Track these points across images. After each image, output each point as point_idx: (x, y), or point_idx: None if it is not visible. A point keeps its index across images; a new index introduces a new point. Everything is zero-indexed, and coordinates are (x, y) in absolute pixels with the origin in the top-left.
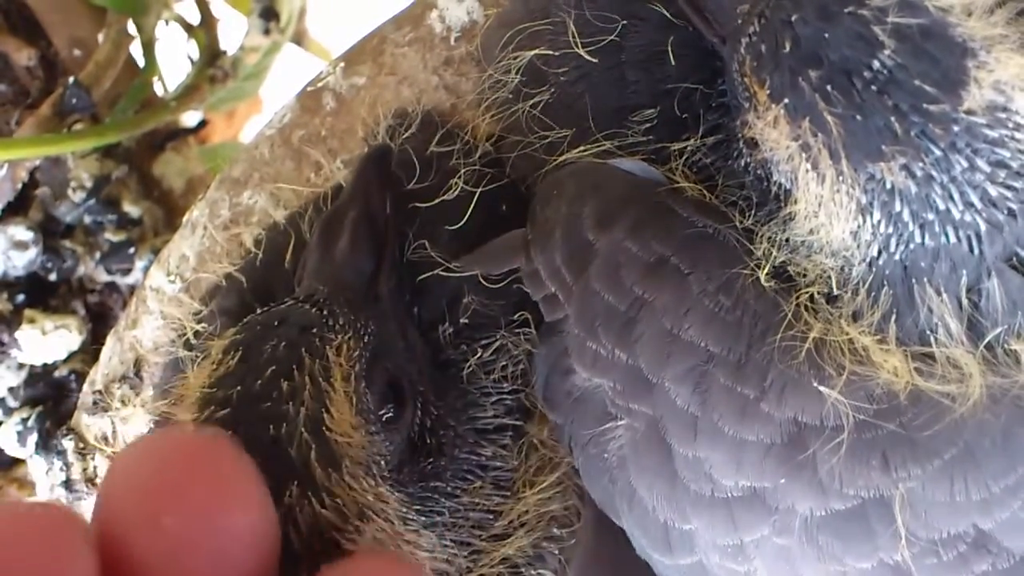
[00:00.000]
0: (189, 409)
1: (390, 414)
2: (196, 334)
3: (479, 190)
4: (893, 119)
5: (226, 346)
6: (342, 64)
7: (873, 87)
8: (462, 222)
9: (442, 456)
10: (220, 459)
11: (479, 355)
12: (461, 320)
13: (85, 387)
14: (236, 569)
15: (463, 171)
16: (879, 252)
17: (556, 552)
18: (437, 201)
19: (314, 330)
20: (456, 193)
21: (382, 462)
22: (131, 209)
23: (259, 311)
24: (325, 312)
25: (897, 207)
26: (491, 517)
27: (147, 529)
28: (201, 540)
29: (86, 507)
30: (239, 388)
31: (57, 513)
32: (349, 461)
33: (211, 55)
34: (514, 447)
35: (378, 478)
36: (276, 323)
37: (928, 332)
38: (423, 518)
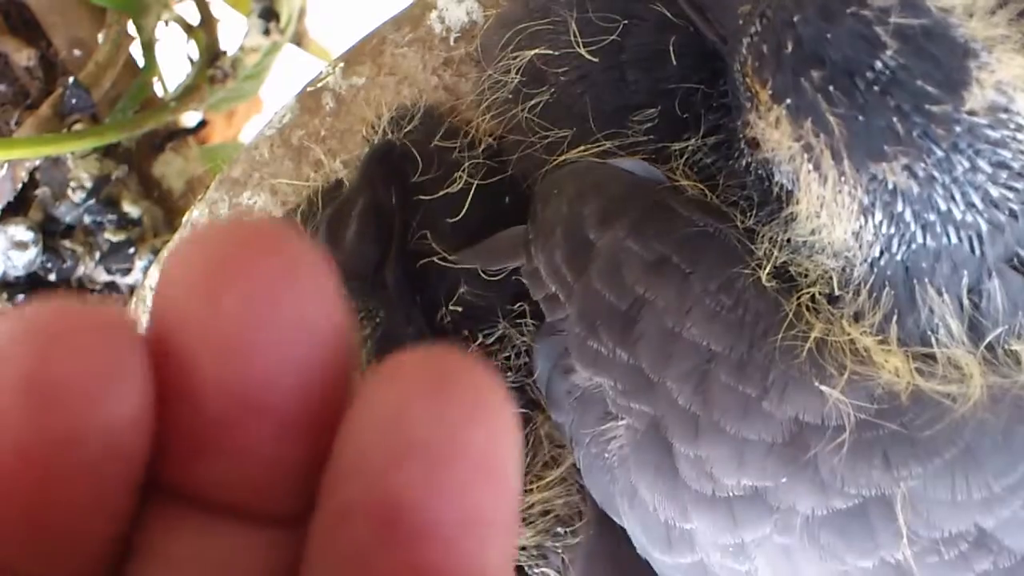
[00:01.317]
0: None
1: None
2: None
3: (481, 182)
4: (895, 119)
5: None
6: (342, 64)
7: (875, 87)
8: (463, 214)
9: None
10: (291, 246)
11: (480, 342)
12: (456, 308)
13: None
14: (305, 365)
15: (467, 164)
16: (881, 253)
17: (559, 551)
18: (441, 193)
19: None
20: (459, 186)
21: None
22: (131, 209)
23: None
24: None
25: (899, 208)
26: None
27: (203, 312)
28: (267, 326)
29: None
30: None
31: (107, 314)
32: None
33: (211, 55)
34: (521, 438)
35: None
36: None
37: (929, 333)
38: None
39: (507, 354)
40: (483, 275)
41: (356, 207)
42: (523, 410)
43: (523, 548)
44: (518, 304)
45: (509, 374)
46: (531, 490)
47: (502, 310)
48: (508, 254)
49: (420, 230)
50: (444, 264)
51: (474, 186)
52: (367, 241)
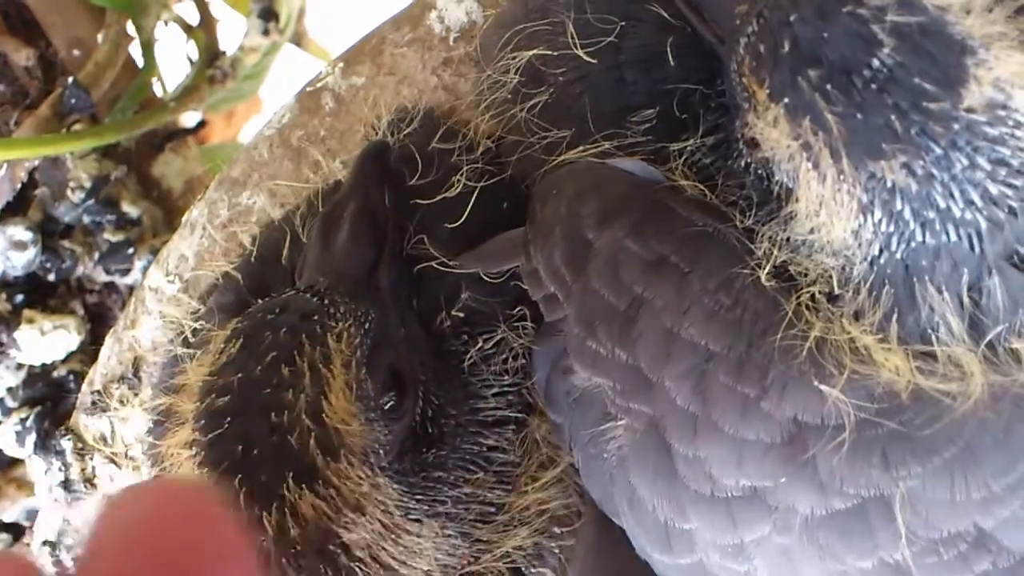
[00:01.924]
0: (191, 397)
1: (391, 402)
2: (194, 332)
3: (480, 186)
4: (893, 117)
5: (228, 335)
6: (341, 64)
7: (873, 85)
8: (463, 219)
9: (444, 445)
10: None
11: (480, 346)
12: (459, 314)
13: (84, 387)
14: None
15: (465, 168)
16: (880, 251)
17: (556, 551)
18: (439, 198)
19: (315, 317)
20: (458, 190)
21: (381, 451)
22: (130, 209)
23: (259, 303)
24: (326, 300)
25: (898, 205)
26: (493, 510)
27: None
28: None
29: (84, 507)
30: (240, 375)
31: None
32: (346, 450)
33: (210, 56)
34: (516, 440)
35: (376, 468)
36: (277, 310)
37: (929, 331)
38: (425, 507)
39: (504, 356)
40: (485, 279)
41: (348, 209)
42: (519, 414)
43: (520, 548)
44: (518, 308)
45: (506, 377)
46: (526, 491)
47: (502, 315)
48: (508, 256)
49: (417, 234)
50: (443, 268)
51: (473, 190)
52: (360, 243)
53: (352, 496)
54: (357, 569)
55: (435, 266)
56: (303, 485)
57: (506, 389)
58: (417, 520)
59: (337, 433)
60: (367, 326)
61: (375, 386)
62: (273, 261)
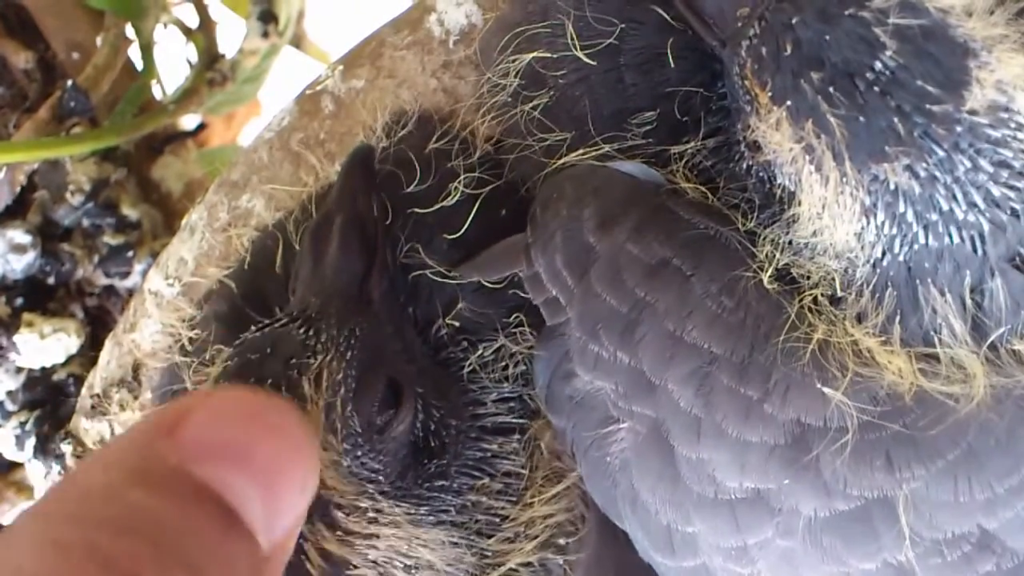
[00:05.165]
0: None
1: (390, 419)
2: (190, 340)
3: (479, 193)
4: (896, 120)
5: (218, 374)
6: (340, 67)
7: (875, 88)
8: (462, 230)
9: (446, 454)
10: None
11: (479, 353)
12: (456, 322)
13: (83, 391)
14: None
15: (463, 176)
16: (883, 253)
17: (561, 563)
18: (436, 207)
19: (293, 361)
20: (456, 198)
21: (381, 478)
22: (129, 212)
23: (254, 329)
24: (309, 331)
25: (901, 208)
26: (498, 520)
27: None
28: None
29: None
30: None
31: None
32: (339, 497)
33: (209, 58)
34: (521, 449)
35: (377, 496)
36: (267, 350)
37: (932, 333)
38: (431, 517)
39: (504, 363)
40: (483, 287)
41: (336, 221)
42: (521, 420)
43: (526, 564)
44: (515, 316)
45: (506, 384)
46: (532, 503)
47: (500, 323)
48: (508, 262)
49: (413, 243)
50: (440, 278)
51: (470, 198)
52: (350, 255)
53: (360, 532)
54: None
55: (432, 275)
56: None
57: (507, 396)
58: (425, 530)
59: (321, 491)
60: (350, 356)
61: (370, 408)
62: (267, 268)
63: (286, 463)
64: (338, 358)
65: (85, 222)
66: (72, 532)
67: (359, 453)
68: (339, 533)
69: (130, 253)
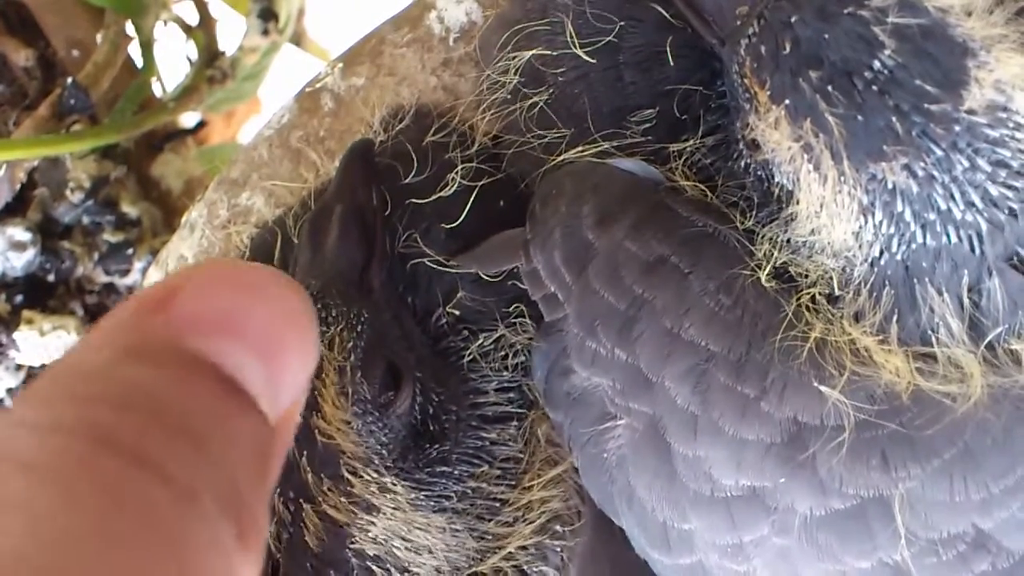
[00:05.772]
0: None
1: (389, 400)
2: None
3: (476, 184)
4: (894, 119)
5: None
6: (340, 65)
7: (874, 87)
8: (459, 220)
9: (446, 440)
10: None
11: (479, 342)
12: (456, 311)
13: None
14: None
15: (460, 167)
16: (881, 252)
17: (558, 550)
18: (434, 198)
19: None
20: (454, 189)
21: (385, 452)
22: (129, 210)
23: None
24: (318, 305)
25: (899, 207)
26: (498, 505)
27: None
28: None
29: None
30: None
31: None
32: (348, 457)
33: (210, 56)
34: (519, 435)
35: (381, 469)
36: None
37: (930, 332)
38: (432, 503)
39: (504, 353)
40: (482, 278)
41: (336, 211)
42: (520, 410)
43: (524, 548)
44: (515, 306)
45: (505, 374)
46: (530, 487)
47: (500, 313)
48: (506, 256)
49: (412, 233)
50: (439, 267)
51: (468, 189)
52: (350, 244)
53: (362, 501)
54: (373, 567)
55: (430, 264)
56: (302, 501)
57: (507, 385)
58: (425, 515)
59: (333, 444)
60: (360, 328)
61: (372, 388)
62: (266, 263)
63: (284, 330)
64: (348, 328)
65: (85, 219)
66: (70, 413)
67: (369, 419)
68: (343, 499)
69: (130, 251)
